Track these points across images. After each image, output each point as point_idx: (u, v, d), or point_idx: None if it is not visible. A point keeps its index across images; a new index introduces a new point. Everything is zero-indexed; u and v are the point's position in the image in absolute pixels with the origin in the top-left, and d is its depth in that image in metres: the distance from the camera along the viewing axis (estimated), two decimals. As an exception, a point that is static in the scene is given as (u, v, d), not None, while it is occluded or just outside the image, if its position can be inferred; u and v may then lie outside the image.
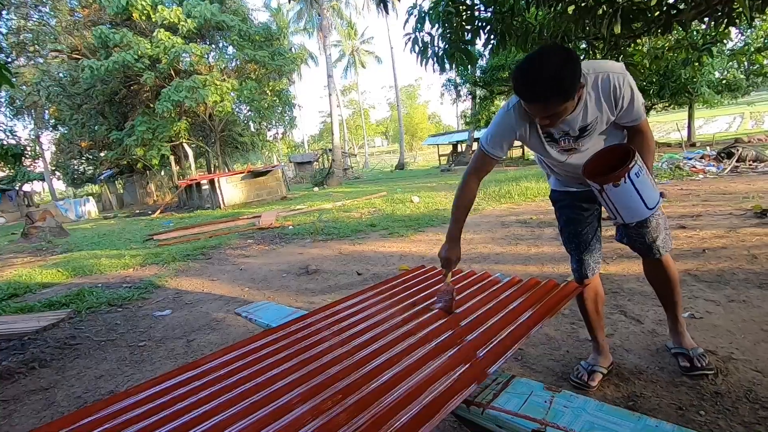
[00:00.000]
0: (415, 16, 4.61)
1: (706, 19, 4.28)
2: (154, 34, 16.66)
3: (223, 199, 14.47)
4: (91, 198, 22.52)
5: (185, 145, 20.47)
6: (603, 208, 1.68)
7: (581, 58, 1.92)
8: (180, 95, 16.45)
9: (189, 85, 16.53)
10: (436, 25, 4.65)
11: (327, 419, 1.14)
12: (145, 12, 16.87)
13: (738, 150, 8.46)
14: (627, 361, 1.95)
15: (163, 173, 23.54)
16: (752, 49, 16.61)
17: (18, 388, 2.44)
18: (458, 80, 22.09)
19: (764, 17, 12.05)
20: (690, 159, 9.06)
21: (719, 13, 3.92)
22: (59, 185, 35.46)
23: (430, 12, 4.55)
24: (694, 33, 7.55)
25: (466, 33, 4.77)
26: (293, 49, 26.44)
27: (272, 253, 5.65)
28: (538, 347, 2.20)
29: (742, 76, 17.63)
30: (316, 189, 18.66)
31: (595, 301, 1.86)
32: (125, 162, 21.54)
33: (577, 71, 1.27)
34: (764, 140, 15.06)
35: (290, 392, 1.31)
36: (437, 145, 32.46)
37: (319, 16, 24.55)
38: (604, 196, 1.45)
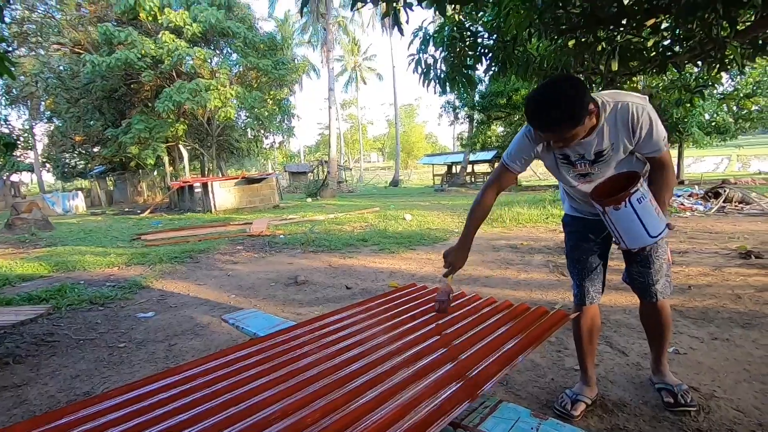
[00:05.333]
0: (420, 38, 4.72)
1: (699, 62, 4.44)
2: (159, 35, 16.76)
3: (215, 204, 14.37)
4: (80, 193, 22.18)
5: (181, 147, 20.40)
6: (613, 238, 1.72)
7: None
8: (182, 96, 16.47)
9: (192, 87, 16.58)
10: (440, 49, 4.76)
11: (309, 436, 1.12)
12: (152, 13, 16.99)
13: (725, 191, 8.66)
14: (611, 393, 1.95)
15: (156, 173, 23.34)
16: (741, 95, 17.24)
17: (-12, 384, 2.36)
18: (457, 103, 22.43)
19: (754, 65, 12.51)
20: (679, 196, 9.25)
21: (712, 58, 4.07)
22: (48, 178, 34.92)
23: (435, 35, 4.66)
24: (688, 75, 7.81)
25: (468, 58, 4.89)
26: (296, 60, 26.75)
27: (261, 261, 5.60)
28: (523, 373, 2.19)
29: (731, 120, 18.16)
30: (309, 200, 18.64)
31: (591, 331, 1.87)
32: (118, 159, 21.33)
33: (585, 99, 1.34)
34: (750, 183, 15.44)
35: (271, 406, 1.29)
36: (432, 164, 32.73)
37: (325, 30, 24.93)
38: (606, 218, 1.47)
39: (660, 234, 1.43)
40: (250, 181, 15.68)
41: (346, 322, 2.15)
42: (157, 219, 13.05)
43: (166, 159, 20.33)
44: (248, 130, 23.30)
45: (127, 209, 19.17)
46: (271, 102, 21.75)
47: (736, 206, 8.14)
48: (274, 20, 34.17)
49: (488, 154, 25.49)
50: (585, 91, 1.34)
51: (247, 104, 18.63)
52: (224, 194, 14.73)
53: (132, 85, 19.38)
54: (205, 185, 14.95)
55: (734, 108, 17.98)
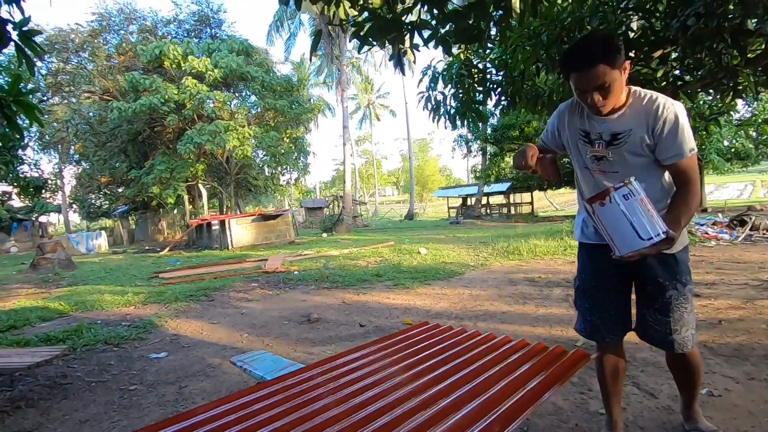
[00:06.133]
0: (429, 76, 4.84)
1: (711, 90, 4.41)
2: (182, 81, 17.65)
3: (231, 241, 14.55)
4: (103, 232, 22.85)
5: (200, 186, 20.98)
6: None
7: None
8: (202, 138, 17.11)
9: (211, 129, 17.24)
10: (449, 86, 4.86)
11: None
12: (176, 61, 17.99)
13: (751, 218, 8.37)
14: (641, 440, 1.82)
15: (176, 211, 23.95)
16: (759, 120, 16.97)
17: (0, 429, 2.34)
18: (470, 137, 22.72)
19: (770, 91, 12.39)
20: (702, 225, 8.98)
21: (725, 86, 4.04)
22: (75, 218, 36.18)
23: (444, 73, 4.78)
24: (701, 103, 7.77)
25: (477, 94, 4.97)
26: (312, 100, 27.71)
27: (275, 298, 5.58)
28: (545, 417, 2.07)
29: (750, 146, 17.84)
30: (324, 235, 18.74)
31: (615, 373, 1.73)
32: (141, 199, 22.03)
33: (620, 48, 1.38)
34: (777, 209, 14.91)
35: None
36: (447, 197, 32.78)
37: (339, 71, 25.90)
38: (596, 219, 1.42)
39: (653, 238, 1.30)
40: (267, 217, 15.91)
41: (359, 363, 2.09)
42: (175, 257, 13.26)
43: (185, 198, 20.90)
44: (265, 167, 23.90)
45: (147, 247, 19.57)
46: (287, 140, 22.40)
47: (764, 234, 7.84)
48: (291, 63, 35.73)
49: (502, 186, 25.45)
50: (620, 45, 1.39)
51: (264, 143, 19.21)
52: (241, 231, 14.94)
53: (155, 128, 20.27)
54: (222, 222, 15.22)
55: (753, 134, 17.68)
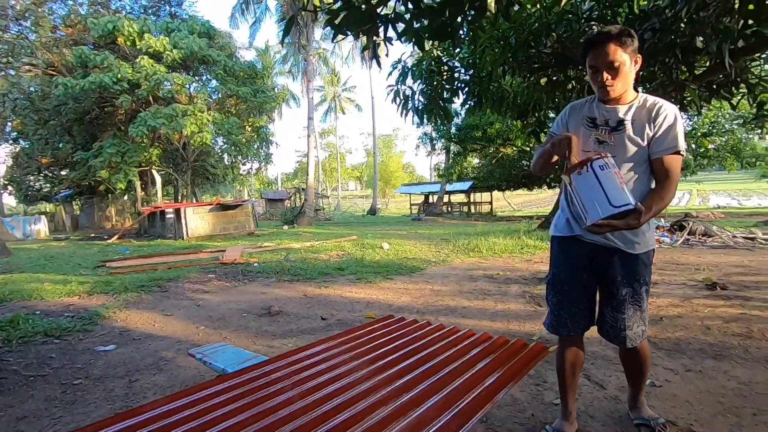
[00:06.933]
0: (399, 70, 4.84)
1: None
2: (137, 59, 16.66)
3: (187, 230, 13.96)
4: (43, 217, 21.18)
5: (154, 172, 19.93)
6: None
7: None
8: (157, 121, 16.26)
9: (168, 112, 16.41)
10: (419, 81, 4.89)
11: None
12: (131, 38, 16.95)
13: (689, 223, 9.04)
14: (590, 428, 1.92)
15: (126, 198, 22.66)
16: (699, 134, 18.37)
17: None
18: (434, 135, 22.98)
19: (710, 107, 13.36)
20: (646, 228, 9.58)
21: (673, 99, 4.31)
22: (10, 201, 33.32)
23: (414, 68, 4.80)
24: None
25: (445, 91, 5.03)
26: (276, 89, 27.04)
27: (234, 290, 5.41)
28: (503, 408, 2.14)
29: (690, 157, 19.23)
30: (285, 227, 18.39)
31: (574, 366, 1.83)
32: (87, 183, 20.62)
33: (633, 35, 1.57)
34: (711, 216, 16.22)
35: (241, 450, 1.20)
36: (410, 194, 33.10)
37: (305, 61, 25.40)
38: (572, 189, 1.53)
39: (623, 206, 1.41)
40: (225, 207, 15.38)
41: (321, 357, 2.07)
42: (125, 245, 12.55)
43: (137, 184, 19.78)
44: (225, 156, 23.08)
45: (93, 235, 18.40)
46: (249, 129, 21.73)
47: (699, 239, 8.49)
48: (256, 49, 34.66)
49: (464, 185, 26.01)
50: (633, 34, 1.57)
51: (224, 130, 18.52)
52: (197, 221, 14.36)
53: (106, 108, 19.02)
54: (177, 211, 14.56)
55: (693, 146, 19.08)
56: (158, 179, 19.93)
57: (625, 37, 1.55)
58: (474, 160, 26.85)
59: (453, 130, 20.89)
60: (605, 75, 1.58)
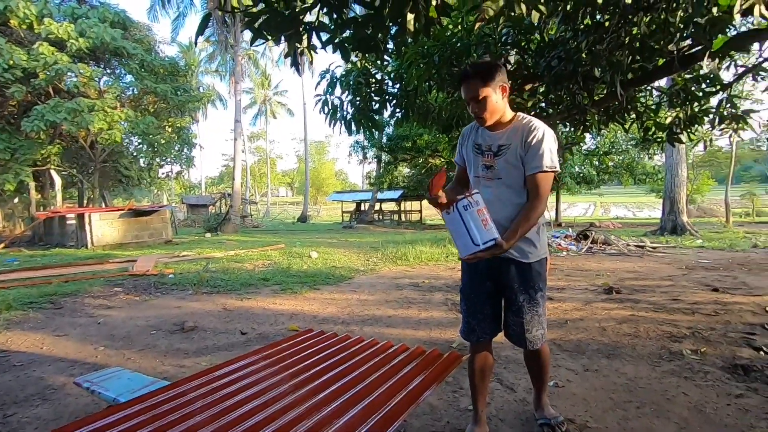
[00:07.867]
0: (327, 80, 4.82)
1: (567, 123, 5.16)
2: (35, 46, 14.82)
3: (92, 238, 12.57)
4: None
5: (53, 172, 17.76)
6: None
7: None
8: (58, 116, 14.53)
9: (71, 107, 14.75)
10: (347, 92, 4.90)
11: None
12: (27, 21, 15.05)
13: (592, 233, 10.03)
14: (500, 431, 2.02)
15: (17, 201, 19.88)
16: (601, 152, 20.66)
17: None
18: (366, 143, 23.22)
19: (609, 129, 15.06)
20: (557, 237, 10.47)
21: (577, 121, 4.76)
22: None
23: (342, 79, 4.80)
24: (560, 134, 9.08)
25: (374, 103, 5.09)
26: (201, 88, 25.55)
27: (143, 304, 4.96)
28: (420, 417, 2.17)
29: (594, 172, 21.49)
30: (208, 235, 17.35)
31: (483, 371, 1.91)
32: (-33, 183, 17.80)
33: (499, 70, 1.70)
34: (611, 226, 18.19)
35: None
36: (341, 201, 32.98)
37: (233, 61, 24.37)
38: (447, 226, 1.64)
39: (485, 245, 1.53)
40: (139, 213, 14.12)
41: (239, 374, 1.96)
42: (13, 255, 10.99)
43: (32, 185, 17.47)
44: (140, 157, 21.23)
45: (-28, 243, 15.87)
46: (169, 129, 20.23)
47: (600, 247, 9.45)
48: (178, 45, 32.57)
49: (395, 194, 26.51)
50: (498, 69, 1.70)
51: (139, 129, 17.04)
52: (105, 227, 13.00)
53: (-7, 99, 16.63)
54: (81, 216, 13.06)
55: (596, 162, 21.33)
56: (58, 181, 17.82)
57: (485, 73, 1.67)
58: (405, 170, 27.54)
59: (384, 139, 21.28)
60: (474, 107, 1.72)
